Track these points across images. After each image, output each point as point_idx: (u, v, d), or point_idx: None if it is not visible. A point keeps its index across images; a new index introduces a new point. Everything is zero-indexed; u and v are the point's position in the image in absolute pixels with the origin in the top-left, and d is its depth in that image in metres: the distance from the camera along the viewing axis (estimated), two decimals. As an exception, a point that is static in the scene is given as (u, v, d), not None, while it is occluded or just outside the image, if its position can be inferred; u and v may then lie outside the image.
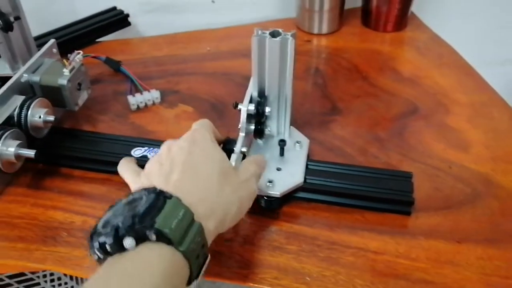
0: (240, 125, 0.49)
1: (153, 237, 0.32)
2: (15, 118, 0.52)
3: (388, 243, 0.47)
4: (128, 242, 0.32)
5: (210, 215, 0.37)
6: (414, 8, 0.81)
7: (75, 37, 0.77)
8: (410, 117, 0.62)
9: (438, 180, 0.53)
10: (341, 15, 0.81)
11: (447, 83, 0.68)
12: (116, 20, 0.81)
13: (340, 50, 0.77)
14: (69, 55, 0.60)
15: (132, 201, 0.34)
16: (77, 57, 0.60)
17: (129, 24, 0.83)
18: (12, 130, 0.50)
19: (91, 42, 0.79)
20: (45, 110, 0.54)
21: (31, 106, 0.53)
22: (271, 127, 0.55)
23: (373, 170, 0.52)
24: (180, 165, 0.39)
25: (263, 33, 0.48)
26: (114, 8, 0.83)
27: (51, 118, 0.54)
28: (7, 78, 0.67)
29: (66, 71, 0.58)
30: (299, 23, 0.82)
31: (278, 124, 0.55)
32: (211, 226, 0.36)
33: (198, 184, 0.38)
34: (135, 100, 0.64)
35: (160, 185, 0.36)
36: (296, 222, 0.49)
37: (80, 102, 0.61)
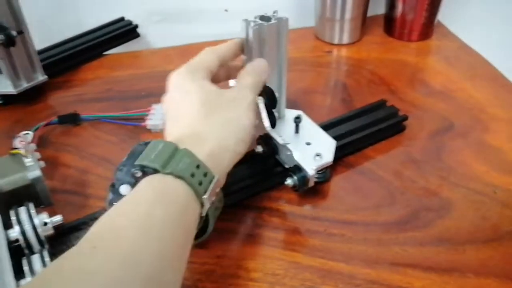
0: (265, 122, 0.46)
1: (139, 173, 0.35)
2: None
3: (435, 282, 0.42)
4: (124, 189, 0.37)
5: (200, 143, 0.38)
6: (438, 15, 0.76)
7: (81, 50, 0.72)
8: (446, 135, 0.57)
9: (484, 207, 0.48)
10: (364, 24, 0.76)
11: (483, 97, 0.63)
12: (124, 31, 0.76)
13: (363, 61, 0.72)
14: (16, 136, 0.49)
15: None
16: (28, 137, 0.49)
17: (138, 35, 0.78)
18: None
19: (98, 56, 0.74)
20: None
21: None
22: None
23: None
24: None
25: (257, 21, 0.46)
26: (122, 19, 0.78)
27: None
28: (10, 96, 0.63)
29: (28, 160, 0.44)
30: (318, 32, 0.77)
31: (280, 108, 0.54)
32: (205, 150, 0.37)
33: (180, 123, 0.40)
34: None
35: None
36: (330, 258, 0.44)
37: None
